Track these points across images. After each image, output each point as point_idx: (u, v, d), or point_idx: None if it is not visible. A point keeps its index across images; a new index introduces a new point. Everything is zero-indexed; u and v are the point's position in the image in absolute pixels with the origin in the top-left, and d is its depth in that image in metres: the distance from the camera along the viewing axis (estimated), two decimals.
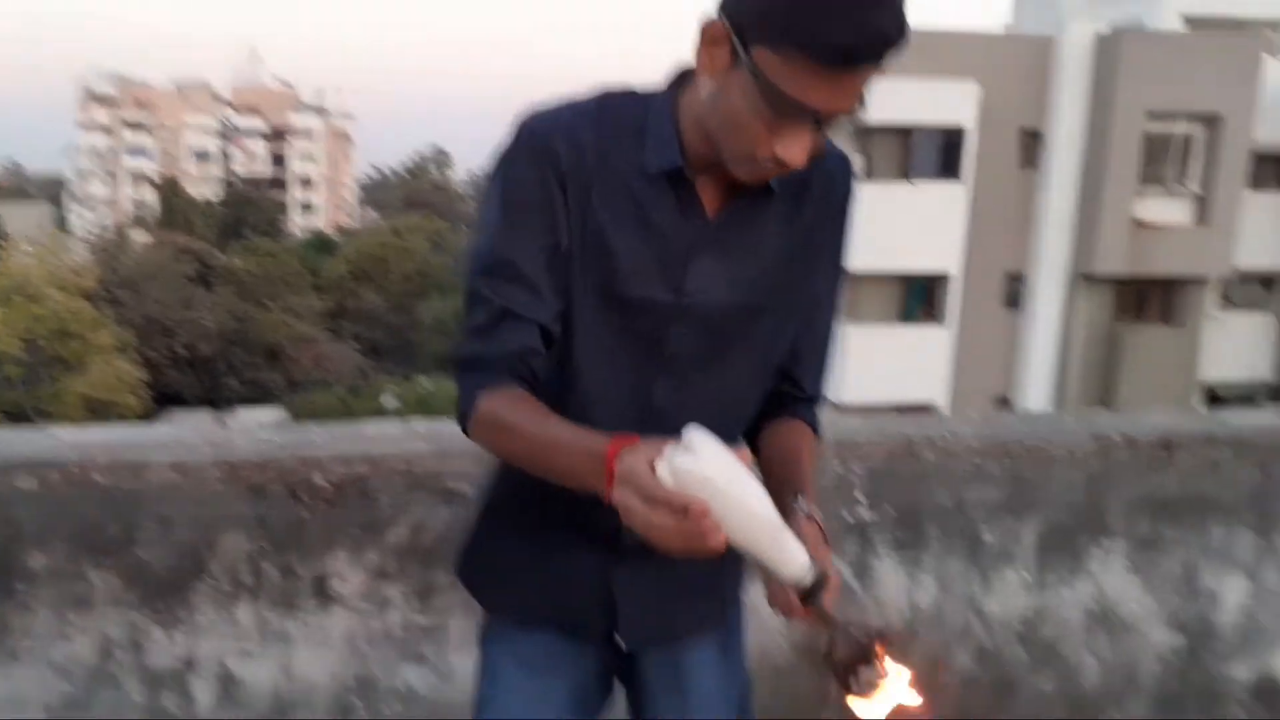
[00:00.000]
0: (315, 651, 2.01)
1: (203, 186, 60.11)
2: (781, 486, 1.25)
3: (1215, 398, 20.58)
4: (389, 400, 27.18)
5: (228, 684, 1.98)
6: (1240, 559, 2.38)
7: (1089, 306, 21.16)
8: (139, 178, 62.70)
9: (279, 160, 69.62)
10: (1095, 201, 20.28)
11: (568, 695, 1.40)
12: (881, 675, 1.03)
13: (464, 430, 1.23)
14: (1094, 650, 2.36)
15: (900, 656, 1.05)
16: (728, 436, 1.35)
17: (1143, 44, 20.70)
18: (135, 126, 65.13)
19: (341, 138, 75.04)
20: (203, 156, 66.73)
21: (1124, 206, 20.35)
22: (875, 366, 18.29)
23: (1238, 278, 22.15)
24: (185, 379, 33.71)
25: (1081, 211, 20.54)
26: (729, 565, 1.43)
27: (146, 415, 27.58)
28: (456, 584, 2.00)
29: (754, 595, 1.41)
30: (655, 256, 1.22)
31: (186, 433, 2.23)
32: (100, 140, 64.28)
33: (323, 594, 1.98)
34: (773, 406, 1.36)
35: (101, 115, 64.55)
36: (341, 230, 59.90)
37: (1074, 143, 20.23)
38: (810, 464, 1.32)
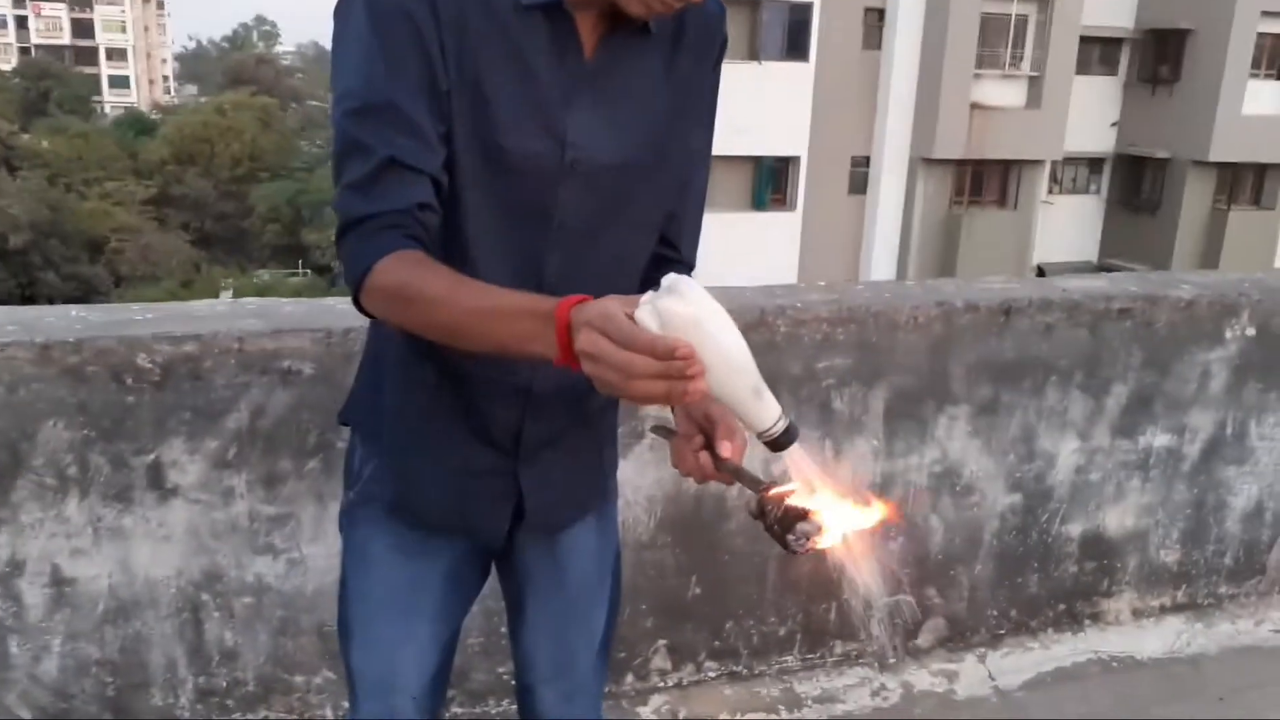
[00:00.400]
0: (156, 547, 1.90)
1: None
2: None
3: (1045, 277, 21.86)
4: (226, 297, 25.96)
5: (61, 585, 1.86)
6: (1073, 420, 2.52)
7: (929, 190, 21.91)
8: None
9: (85, 30, 63.76)
10: (935, 85, 20.79)
11: (442, 579, 1.34)
12: (817, 529, 1.01)
13: (356, 303, 1.08)
14: (940, 513, 2.47)
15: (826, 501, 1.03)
16: None
17: None
18: None
19: (152, 3, 69.19)
20: None
21: (962, 90, 20.95)
22: (727, 250, 18.55)
23: (1065, 161, 23.28)
24: None
25: (922, 95, 21.04)
26: (609, 445, 1.41)
27: None
28: (302, 473, 1.98)
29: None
30: (533, 102, 1.11)
31: None
32: None
33: (159, 485, 1.86)
34: (648, 272, 1.30)
35: None
36: (159, 108, 55.85)
37: (915, 22, 20.56)
38: None
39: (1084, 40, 22.39)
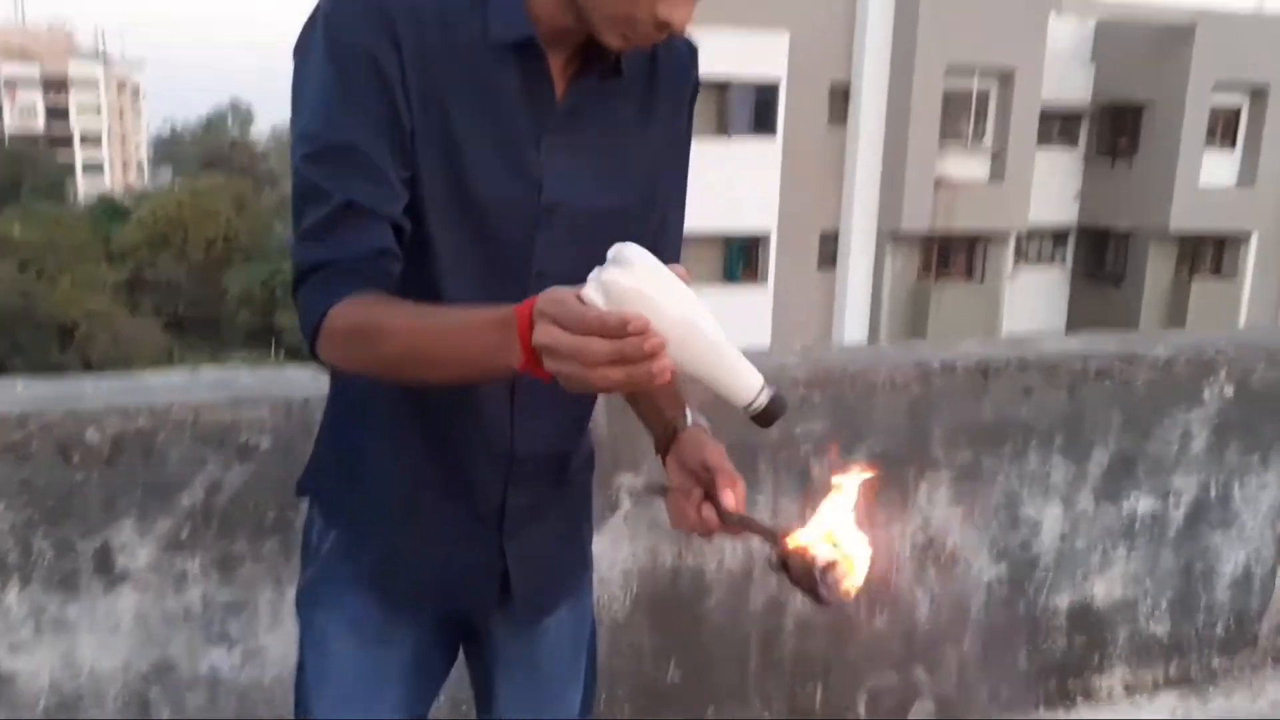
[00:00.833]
0: (102, 638, 1.79)
1: None
2: (661, 402, 1.17)
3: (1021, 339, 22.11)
4: None
5: None
6: (1055, 485, 2.46)
7: (898, 264, 22.20)
8: None
9: (59, 114, 64.11)
10: (900, 159, 21.22)
11: (407, 667, 1.25)
12: (843, 572, 0.94)
13: (312, 350, 1.03)
14: (925, 585, 2.39)
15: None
16: None
17: None
18: None
19: (128, 89, 69.80)
20: None
21: (927, 165, 21.39)
22: None
23: (1029, 233, 23.69)
24: None
25: (887, 170, 21.44)
26: (586, 517, 1.34)
27: None
28: (259, 554, 1.88)
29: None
30: (504, 144, 1.06)
31: None
32: None
33: (107, 571, 1.76)
34: None
35: None
36: (134, 192, 56.01)
37: (879, 98, 21.04)
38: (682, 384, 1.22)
39: (1044, 115, 22.97)
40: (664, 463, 1.14)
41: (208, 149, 60.04)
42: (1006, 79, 22.17)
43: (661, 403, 1.17)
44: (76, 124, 64.09)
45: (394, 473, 1.18)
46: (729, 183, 18.67)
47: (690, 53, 1.20)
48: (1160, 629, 2.68)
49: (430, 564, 1.20)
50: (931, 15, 20.71)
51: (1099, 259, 25.25)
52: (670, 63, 1.17)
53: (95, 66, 65.83)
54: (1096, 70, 24.76)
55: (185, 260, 39.01)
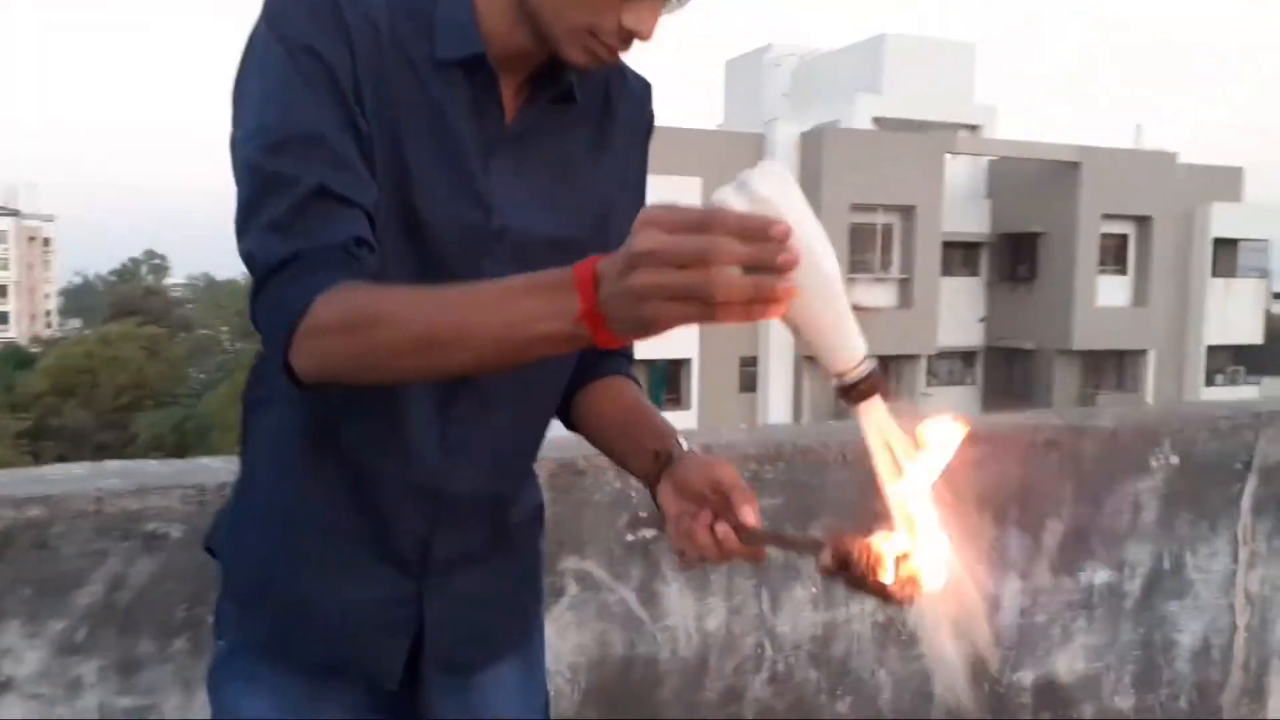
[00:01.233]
0: None
1: None
2: (641, 434, 1.08)
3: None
4: None
5: None
6: (1013, 559, 2.40)
7: (815, 387, 22.60)
8: None
9: None
10: None
11: None
12: (920, 568, 0.82)
13: (286, 354, 0.89)
14: (886, 665, 2.28)
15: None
16: (549, 409, 1.15)
17: (842, 140, 22.88)
18: None
19: (38, 241, 68.81)
20: None
21: None
22: None
23: (939, 355, 24.47)
24: None
25: None
26: (534, 573, 1.23)
27: None
28: (165, 654, 1.69)
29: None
30: (451, 163, 0.99)
31: None
32: None
33: None
34: (585, 365, 1.16)
35: None
36: (40, 341, 54.53)
37: None
38: (658, 413, 1.14)
39: (947, 245, 24.07)
40: (653, 493, 1.06)
41: (121, 296, 58.99)
42: (908, 213, 23.26)
43: (641, 433, 1.10)
44: None
45: (302, 512, 1.07)
46: None
47: (645, 89, 1.16)
48: (1125, 703, 2.59)
49: (333, 618, 1.07)
50: (834, 158, 21.81)
51: (1007, 377, 26.10)
52: (625, 99, 1.13)
53: (3, 220, 64.95)
54: (993, 204, 26.20)
55: (93, 407, 37.75)
